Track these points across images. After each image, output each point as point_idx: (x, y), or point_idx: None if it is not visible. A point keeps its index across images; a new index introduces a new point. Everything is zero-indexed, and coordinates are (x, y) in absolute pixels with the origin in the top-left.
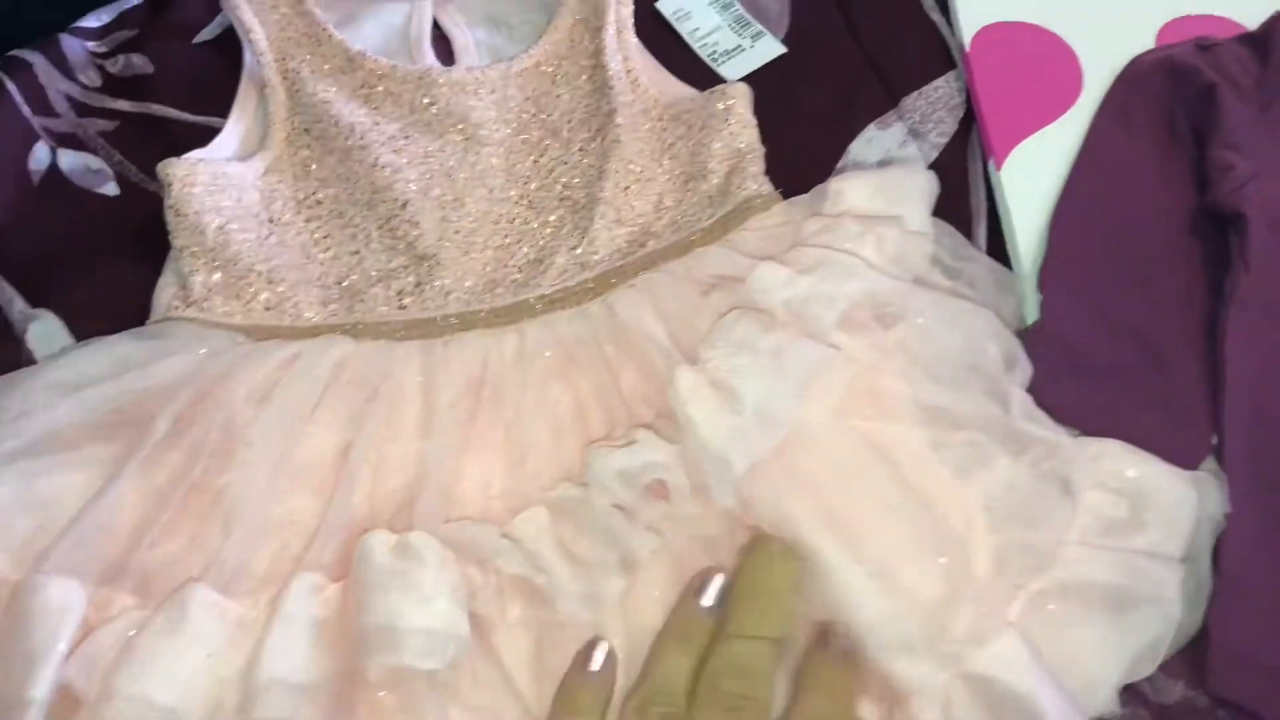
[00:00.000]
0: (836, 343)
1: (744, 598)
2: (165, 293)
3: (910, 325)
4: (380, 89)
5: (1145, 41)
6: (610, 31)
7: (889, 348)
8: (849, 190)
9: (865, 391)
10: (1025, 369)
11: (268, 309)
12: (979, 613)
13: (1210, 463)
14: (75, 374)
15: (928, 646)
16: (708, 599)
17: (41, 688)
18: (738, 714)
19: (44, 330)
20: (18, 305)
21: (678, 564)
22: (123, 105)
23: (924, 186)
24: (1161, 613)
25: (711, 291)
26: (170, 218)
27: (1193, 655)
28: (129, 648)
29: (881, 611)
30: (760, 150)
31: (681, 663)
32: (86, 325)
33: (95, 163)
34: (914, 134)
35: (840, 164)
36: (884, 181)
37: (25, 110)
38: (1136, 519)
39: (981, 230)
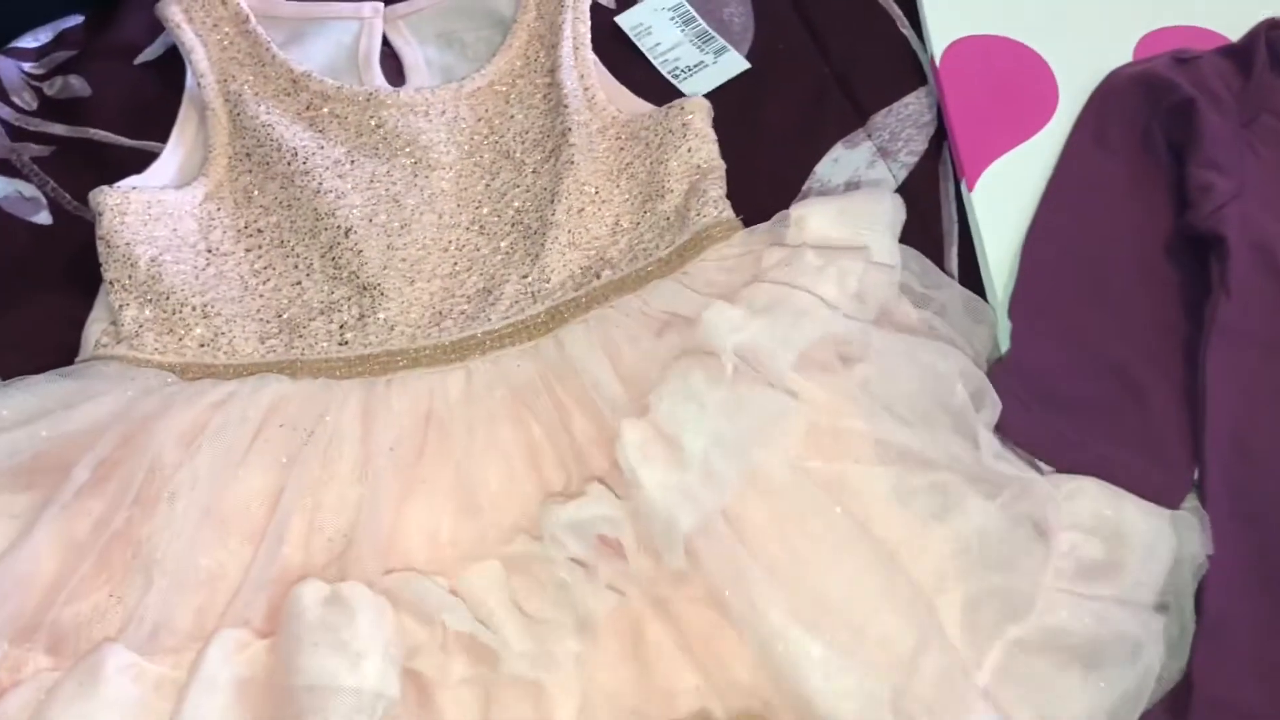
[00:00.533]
0: (793, 386)
1: None
2: (95, 328)
3: (870, 364)
4: (326, 111)
5: (1123, 54)
6: (566, 48)
7: (851, 388)
8: (810, 218)
9: (828, 434)
10: (995, 406)
11: (202, 345)
12: (949, 671)
13: (1192, 499)
14: None
15: (892, 715)
16: None
17: None
18: None
19: None
20: None
21: (635, 625)
22: (59, 129)
23: (889, 213)
24: (1142, 664)
25: (666, 331)
26: (101, 249)
27: (1174, 703)
28: (40, 713)
29: (842, 689)
30: (720, 167)
31: None
32: (13, 360)
33: (29, 190)
34: (883, 153)
35: (806, 185)
36: (847, 208)
37: None
38: (1113, 560)
39: (953, 253)
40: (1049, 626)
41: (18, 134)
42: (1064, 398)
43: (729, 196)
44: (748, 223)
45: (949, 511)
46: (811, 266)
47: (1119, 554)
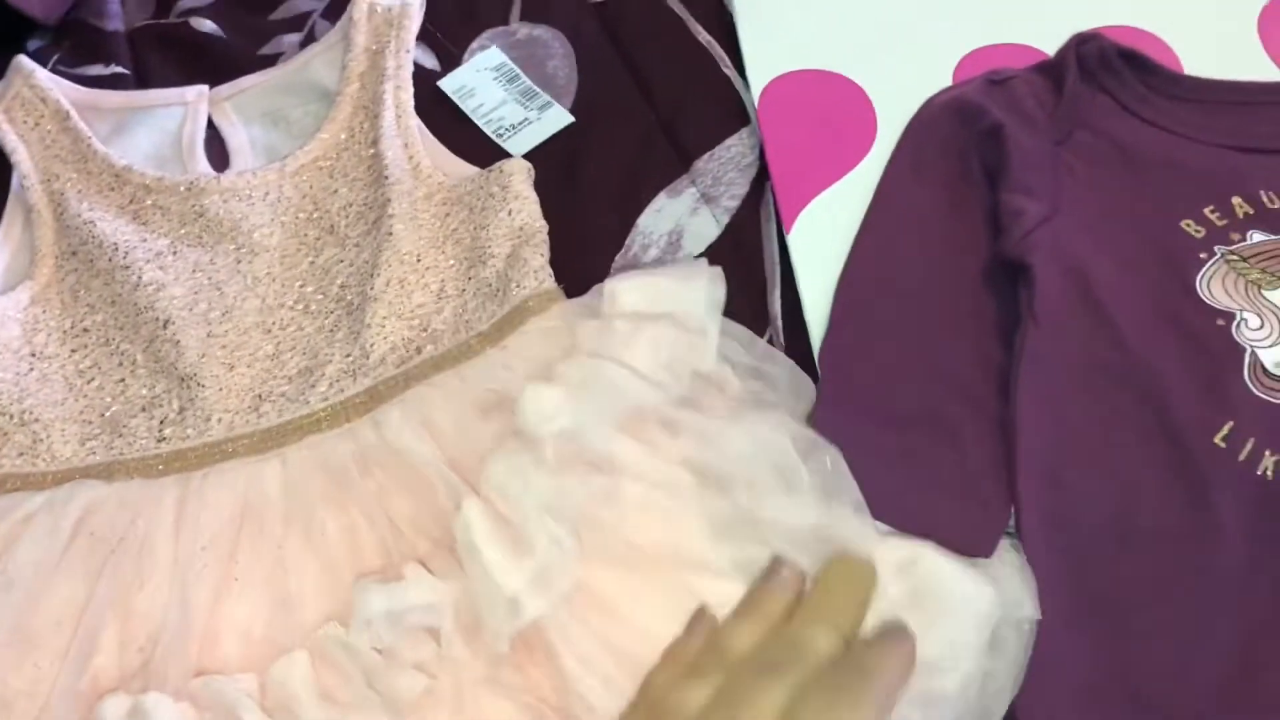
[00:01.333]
0: (616, 462)
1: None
2: None
3: (690, 435)
4: (149, 203)
5: (943, 78)
6: (389, 116)
7: (676, 461)
8: (622, 292)
9: (657, 510)
10: (828, 450)
11: (20, 454)
12: None
13: (1008, 542)
14: None
15: None
16: None
17: None
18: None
19: None
20: None
21: (458, 703)
22: None
23: (704, 286)
24: None
25: (490, 412)
26: None
27: None
28: None
29: None
30: (542, 230)
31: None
32: None
33: None
34: (706, 199)
35: (629, 238)
36: (660, 283)
37: None
38: (933, 628)
39: (776, 296)
40: None
41: None
42: (877, 448)
43: (553, 253)
44: (573, 278)
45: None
46: (621, 336)
47: (941, 621)
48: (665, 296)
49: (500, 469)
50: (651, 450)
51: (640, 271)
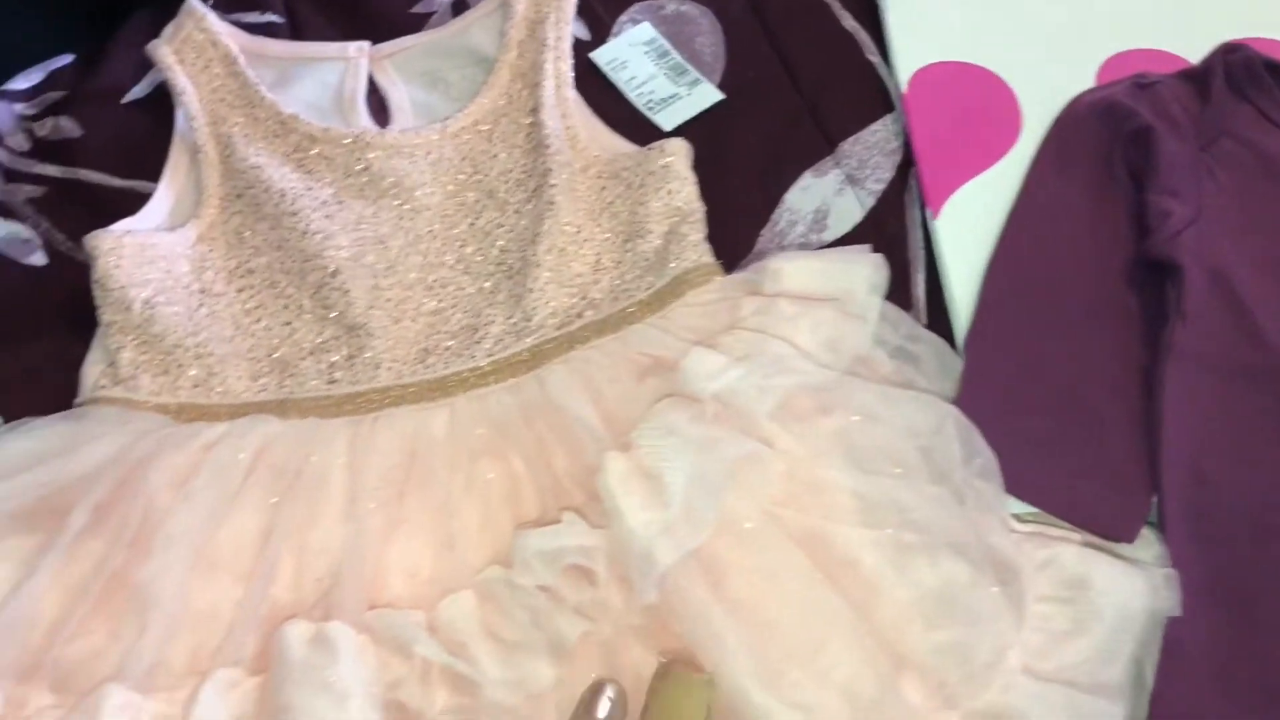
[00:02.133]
0: (769, 434)
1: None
2: (93, 370)
3: (846, 414)
4: (314, 153)
5: (1086, 79)
6: (549, 86)
7: (826, 438)
8: (788, 270)
9: (802, 484)
10: (987, 461)
11: (196, 386)
12: None
13: (1149, 532)
14: None
15: None
16: (601, 711)
17: None
18: None
19: None
20: None
21: (609, 653)
22: (51, 170)
23: (868, 270)
24: None
25: (647, 376)
26: (96, 292)
27: None
28: None
29: None
30: (699, 210)
31: None
32: (12, 402)
33: (24, 232)
34: (851, 180)
35: (775, 214)
36: (825, 266)
37: None
38: (1082, 632)
39: (920, 279)
40: (1008, 708)
41: (12, 176)
42: (1021, 429)
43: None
44: (719, 250)
45: (916, 565)
46: (786, 315)
47: (1090, 625)
48: (829, 279)
49: (651, 422)
50: (804, 424)
51: (804, 252)
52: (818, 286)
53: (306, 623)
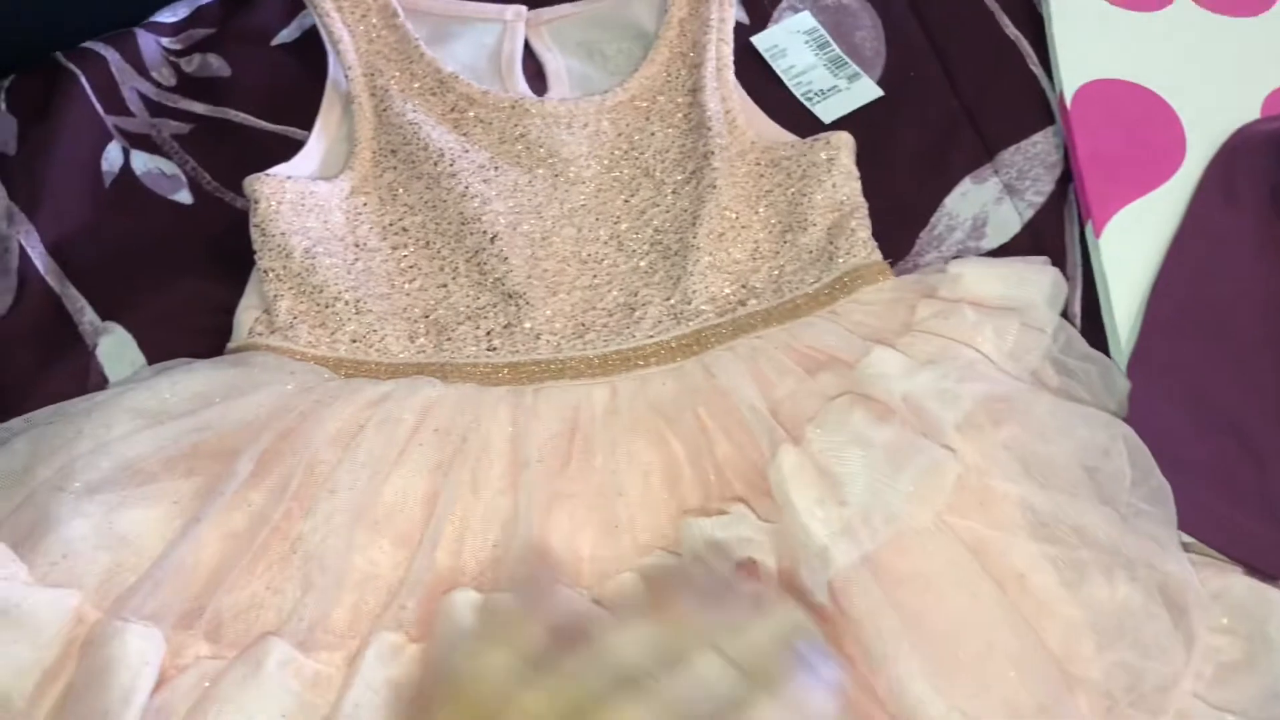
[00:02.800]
0: (951, 443)
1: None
2: (248, 315)
3: (1022, 426)
4: (471, 114)
5: (1251, 108)
6: (710, 68)
7: (997, 448)
8: (968, 276)
9: (974, 493)
10: (1160, 485)
11: (354, 341)
12: None
13: None
14: (158, 402)
15: None
16: None
17: None
18: None
19: (114, 345)
20: (87, 315)
21: None
22: (197, 108)
23: (1048, 284)
24: None
25: (819, 371)
26: (255, 236)
27: None
28: (203, 702)
29: None
30: (863, 206)
31: None
32: (158, 342)
33: (169, 167)
34: (1010, 190)
35: (934, 217)
36: (1006, 273)
37: (98, 107)
38: (1254, 664)
39: (1077, 297)
40: None
41: (157, 109)
42: (1181, 458)
43: None
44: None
45: (1089, 583)
46: (969, 320)
47: (1262, 660)
48: (1010, 288)
49: (828, 419)
50: (980, 433)
51: (982, 259)
52: (998, 295)
53: (473, 591)
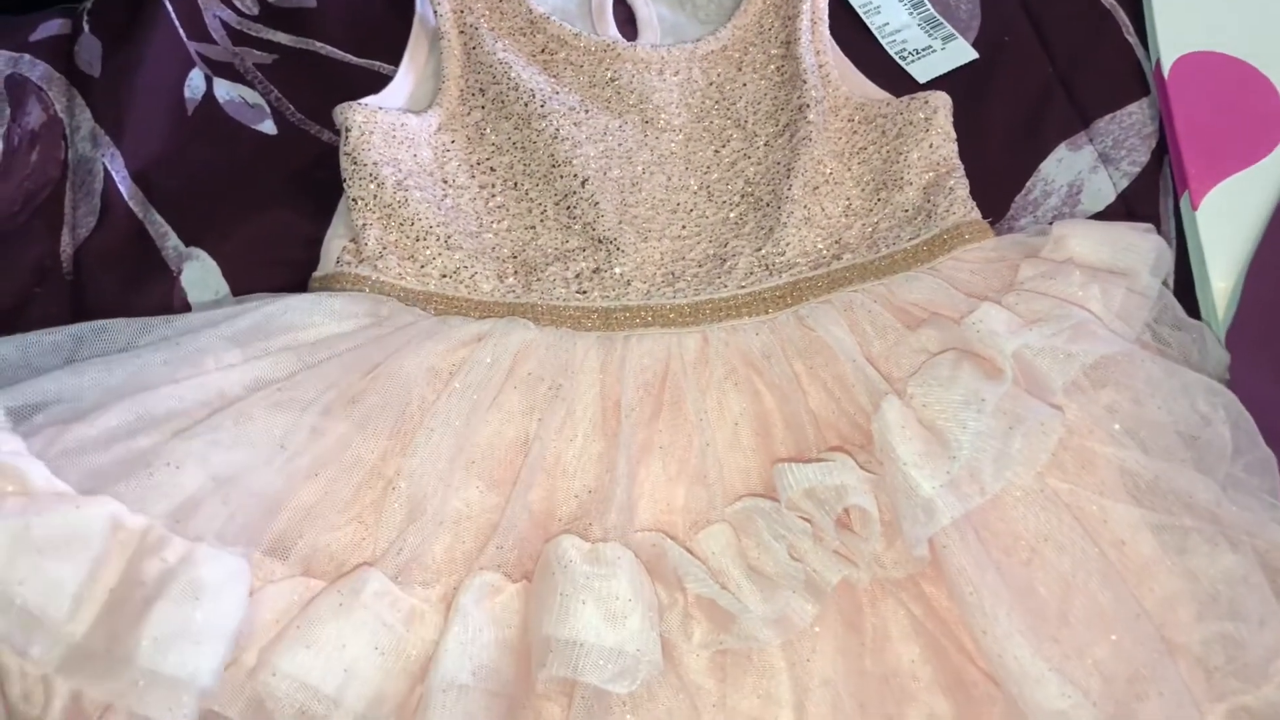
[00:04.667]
0: (1058, 403)
1: None
2: (335, 244)
3: (1122, 390)
4: (561, 56)
5: None
6: (805, 21)
7: (1099, 411)
8: (1072, 237)
9: (1075, 455)
10: (1264, 456)
11: (444, 276)
12: (1173, 707)
13: None
14: (250, 332)
15: None
16: None
17: (210, 674)
18: None
19: (198, 271)
20: (171, 241)
21: (858, 603)
22: (281, 38)
23: (1153, 250)
24: None
25: (921, 327)
26: (346, 165)
27: None
28: (297, 623)
29: (1070, 705)
30: (959, 168)
31: None
32: (241, 271)
33: (252, 97)
34: (1105, 159)
35: (1030, 182)
36: (1112, 237)
37: (181, 32)
38: None
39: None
40: None
41: (239, 38)
42: (1276, 431)
43: None
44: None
45: (1190, 552)
46: (1076, 281)
47: None
48: (1115, 252)
49: (932, 374)
50: (1084, 395)
51: (1088, 221)
52: (1103, 258)
53: (580, 539)
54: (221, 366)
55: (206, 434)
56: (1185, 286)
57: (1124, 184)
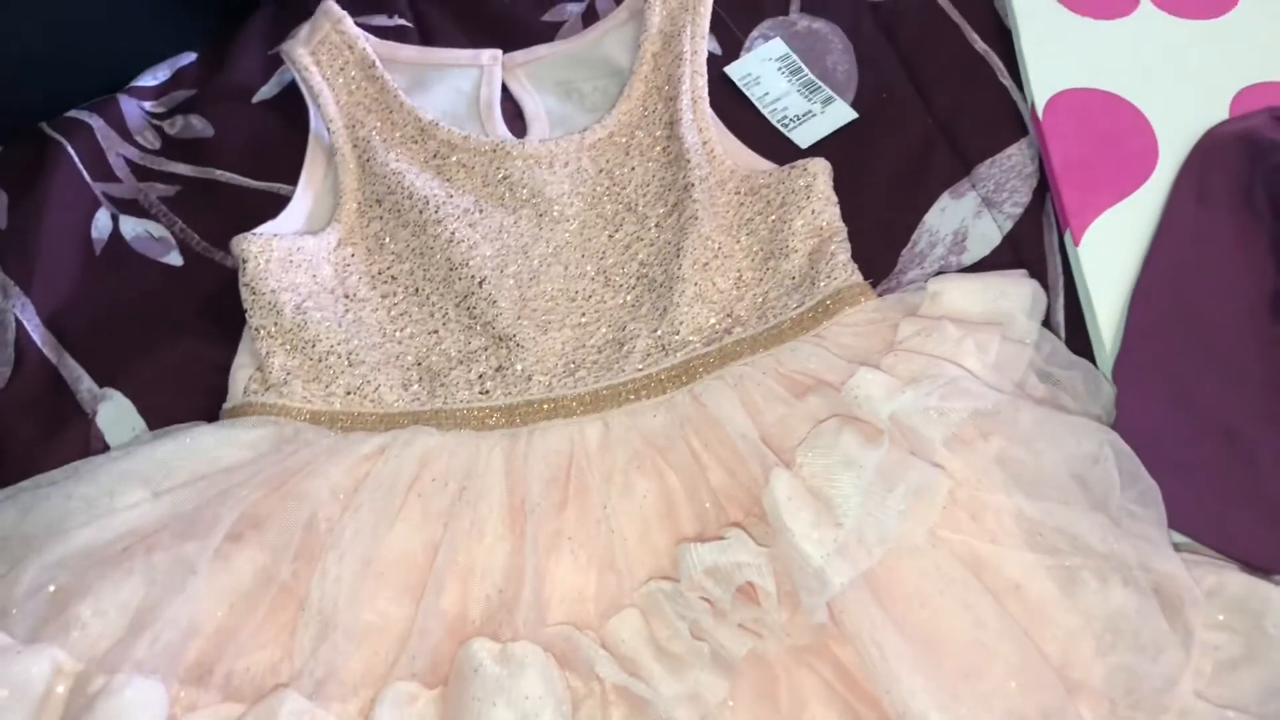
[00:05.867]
0: (941, 460)
1: None
2: (242, 374)
3: (1010, 439)
4: (453, 160)
5: (1220, 109)
6: (685, 101)
7: (988, 461)
8: (948, 292)
9: (965, 507)
10: (1148, 487)
11: (349, 393)
12: None
13: None
14: (156, 468)
15: None
16: None
17: None
18: None
19: (113, 411)
20: (85, 384)
21: (771, 675)
22: (182, 169)
23: (1028, 296)
24: None
25: (806, 395)
26: (245, 295)
27: None
28: None
29: None
30: (842, 231)
31: None
32: (156, 404)
33: (158, 230)
34: (988, 203)
35: (915, 234)
36: (985, 287)
37: (85, 175)
38: (1255, 658)
39: (1059, 305)
40: None
41: (143, 174)
42: (1173, 460)
43: None
44: (859, 269)
45: (1084, 591)
46: (951, 337)
47: (1262, 654)
48: (989, 302)
49: (818, 442)
50: (968, 448)
51: (961, 275)
52: (978, 309)
53: (491, 641)
54: (129, 505)
55: (120, 568)
56: (1080, 322)
57: (1008, 226)
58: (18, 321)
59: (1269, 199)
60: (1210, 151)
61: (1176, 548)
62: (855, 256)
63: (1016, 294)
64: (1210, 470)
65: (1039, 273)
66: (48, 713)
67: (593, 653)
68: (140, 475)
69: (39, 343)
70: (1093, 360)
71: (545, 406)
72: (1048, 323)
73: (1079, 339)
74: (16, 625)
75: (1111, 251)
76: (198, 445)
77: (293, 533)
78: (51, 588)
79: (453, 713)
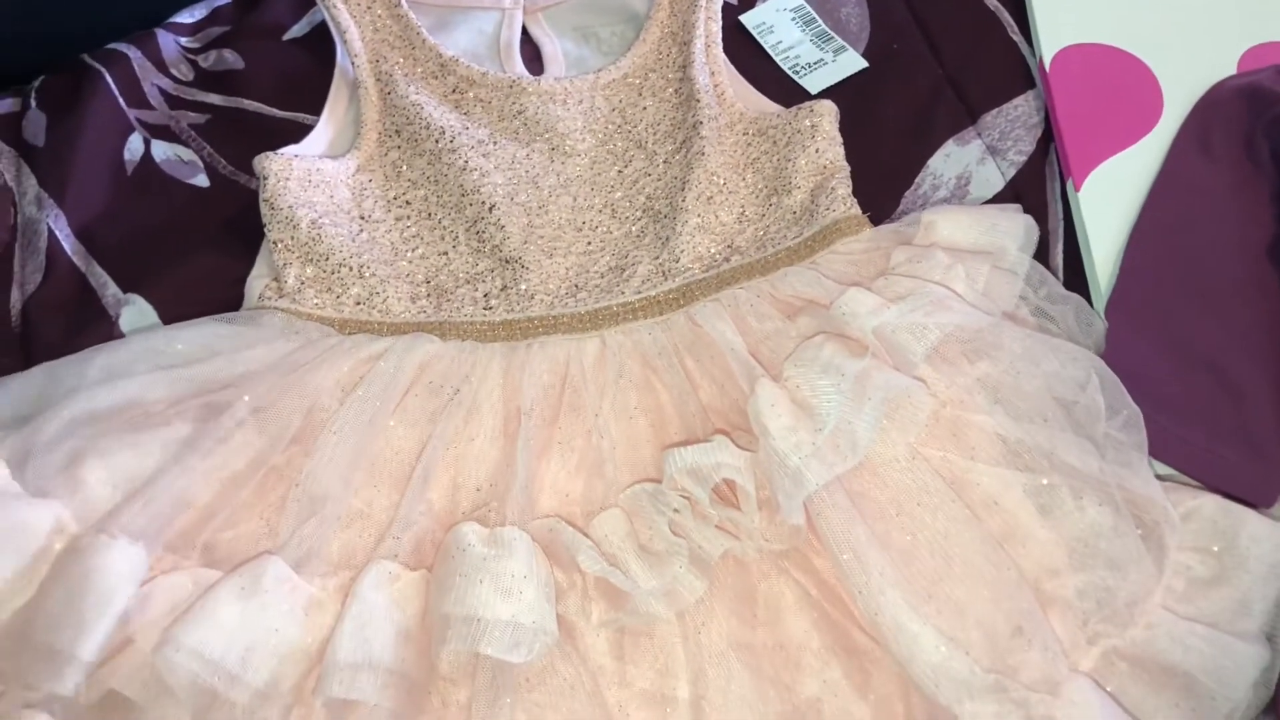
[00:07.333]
0: (922, 375)
1: None
2: (258, 283)
3: (995, 361)
4: (471, 95)
5: (1227, 67)
6: (699, 45)
7: (972, 382)
8: (940, 222)
9: (947, 425)
10: (1132, 414)
11: (358, 303)
12: (1049, 657)
13: None
14: (168, 344)
15: (994, 691)
16: None
17: (90, 647)
18: None
19: (135, 315)
20: (110, 289)
21: (747, 580)
22: (213, 99)
23: (1019, 229)
24: (1233, 698)
25: (797, 315)
26: (265, 210)
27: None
28: (199, 604)
29: (945, 658)
30: (845, 169)
31: None
32: (176, 312)
33: (187, 154)
34: (992, 151)
35: (919, 178)
36: (978, 219)
37: (121, 102)
38: (1225, 579)
39: (1059, 250)
40: (1148, 645)
41: (175, 103)
42: (1160, 395)
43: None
44: (862, 209)
45: (1060, 509)
46: (941, 264)
47: (1234, 574)
48: (982, 233)
49: (803, 356)
50: (953, 367)
51: (956, 206)
52: (970, 240)
53: (479, 525)
54: (141, 371)
55: (129, 438)
56: (1078, 269)
57: (1011, 173)
58: (50, 231)
59: (1271, 150)
60: (1214, 104)
61: (1159, 479)
62: (862, 198)
63: (1009, 226)
64: (1197, 405)
65: (1040, 219)
66: (40, 566)
67: (576, 542)
68: (149, 348)
69: (69, 251)
70: (1090, 304)
71: (545, 323)
72: (1048, 267)
73: (1076, 285)
74: (29, 475)
75: (1111, 198)
76: (207, 331)
77: (292, 421)
78: (69, 444)
79: (438, 589)
